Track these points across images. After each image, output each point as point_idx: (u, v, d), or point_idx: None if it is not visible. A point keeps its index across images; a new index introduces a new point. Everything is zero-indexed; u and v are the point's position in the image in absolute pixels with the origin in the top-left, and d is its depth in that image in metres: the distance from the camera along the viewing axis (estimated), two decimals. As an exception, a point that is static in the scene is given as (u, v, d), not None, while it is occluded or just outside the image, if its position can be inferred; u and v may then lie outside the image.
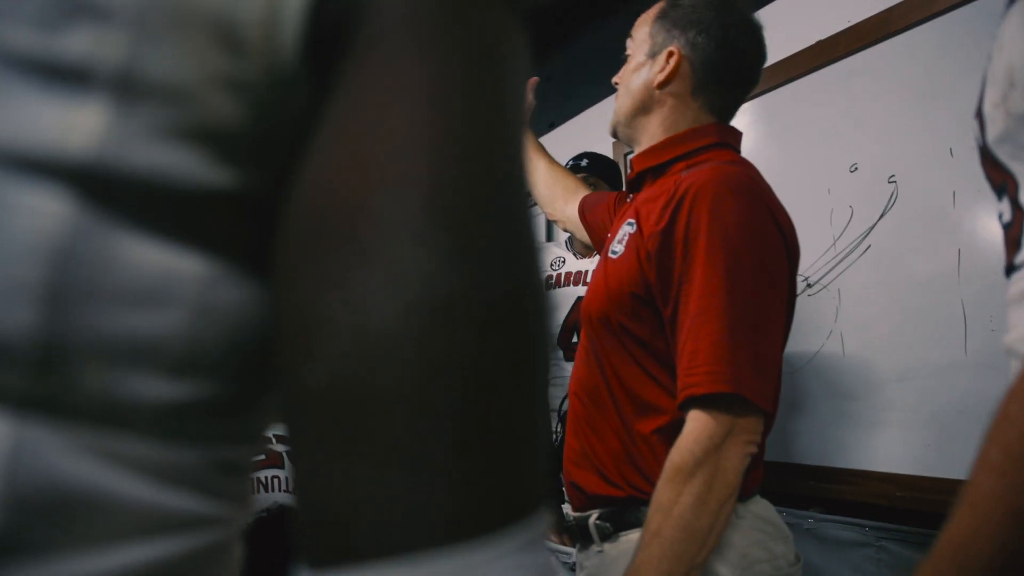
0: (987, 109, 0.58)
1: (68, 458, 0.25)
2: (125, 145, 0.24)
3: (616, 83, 1.26)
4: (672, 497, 0.93)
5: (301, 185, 0.27)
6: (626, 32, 1.26)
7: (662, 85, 1.15)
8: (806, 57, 1.86)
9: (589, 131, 2.89)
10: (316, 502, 0.25)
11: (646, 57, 1.17)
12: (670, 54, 1.13)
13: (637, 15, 1.24)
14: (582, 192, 1.60)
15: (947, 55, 1.54)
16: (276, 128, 0.27)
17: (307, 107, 0.27)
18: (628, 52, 1.23)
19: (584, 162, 2.22)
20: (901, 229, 1.61)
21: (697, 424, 0.95)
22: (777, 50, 1.93)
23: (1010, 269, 0.57)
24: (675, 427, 1.01)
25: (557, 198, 1.61)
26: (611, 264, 1.11)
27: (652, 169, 1.16)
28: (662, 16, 1.16)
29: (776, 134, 1.92)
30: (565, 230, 1.67)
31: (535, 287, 0.28)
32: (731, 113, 1.20)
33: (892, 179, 1.63)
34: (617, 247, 1.12)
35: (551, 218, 1.66)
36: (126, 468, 0.26)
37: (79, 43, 0.24)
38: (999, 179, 0.58)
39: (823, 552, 1.64)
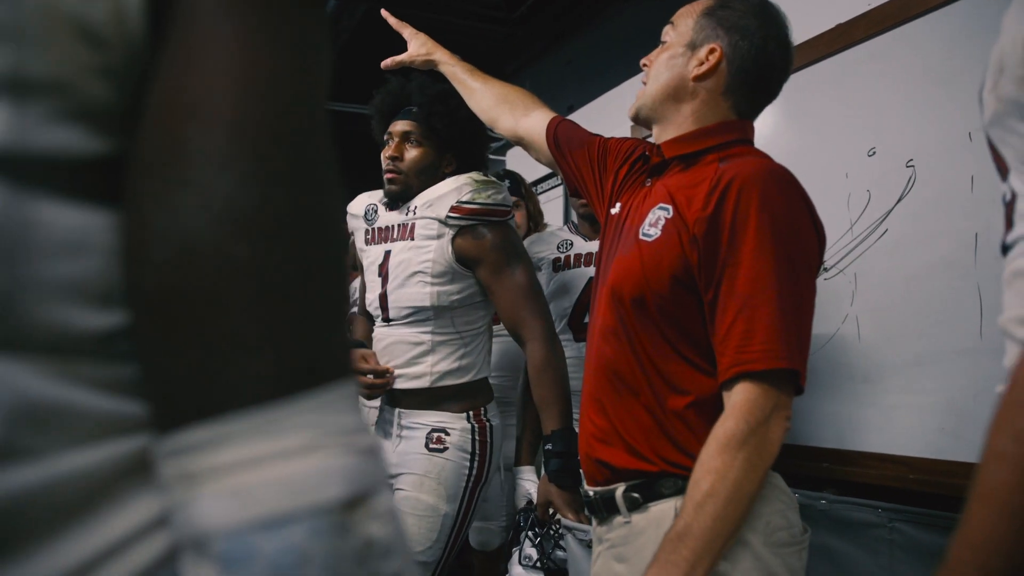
0: (984, 95, 0.59)
1: (36, 380, 0.31)
2: (26, 132, 0.30)
3: (645, 65, 1.27)
4: (727, 462, 1.00)
5: (140, 129, 0.34)
6: (645, 18, 1.28)
7: (699, 78, 1.19)
8: (825, 41, 1.86)
9: (607, 114, 2.89)
10: (153, 380, 0.33)
11: (685, 47, 1.21)
12: (712, 50, 1.18)
13: (656, 1, 1.26)
14: (535, 107, 1.56)
15: (966, 39, 1.54)
16: (134, 95, 0.34)
17: (148, 69, 0.34)
18: (665, 39, 1.26)
19: (506, 182, 2.40)
20: (918, 214, 1.61)
21: (748, 396, 1.02)
22: (796, 34, 1.92)
23: (1005, 248, 0.58)
24: (707, 402, 1.09)
25: (503, 115, 1.57)
26: (646, 247, 1.15)
27: (683, 157, 1.20)
28: (710, 13, 1.20)
29: (794, 118, 1.92)
30: (517, 143, 1.61)
31: (314, 203, 0.35)
32: (752, 118, 1.26)
33: (910, 163, 1.63)
34: (651, 230, 1.15)
35: (502, 134, 1.62)
36: (80, 384, 0.32)
37: None
38: (998, 161, 0.60)
39: (836, 533, 1.66)
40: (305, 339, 0.33)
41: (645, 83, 1.26)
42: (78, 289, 0.32)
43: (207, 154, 0.32)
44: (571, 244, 2.18)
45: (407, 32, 1.69)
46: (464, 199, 1.72)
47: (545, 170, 3.40)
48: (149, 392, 0.33)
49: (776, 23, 1.20)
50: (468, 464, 1.76)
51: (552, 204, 3.44)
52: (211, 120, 0.32)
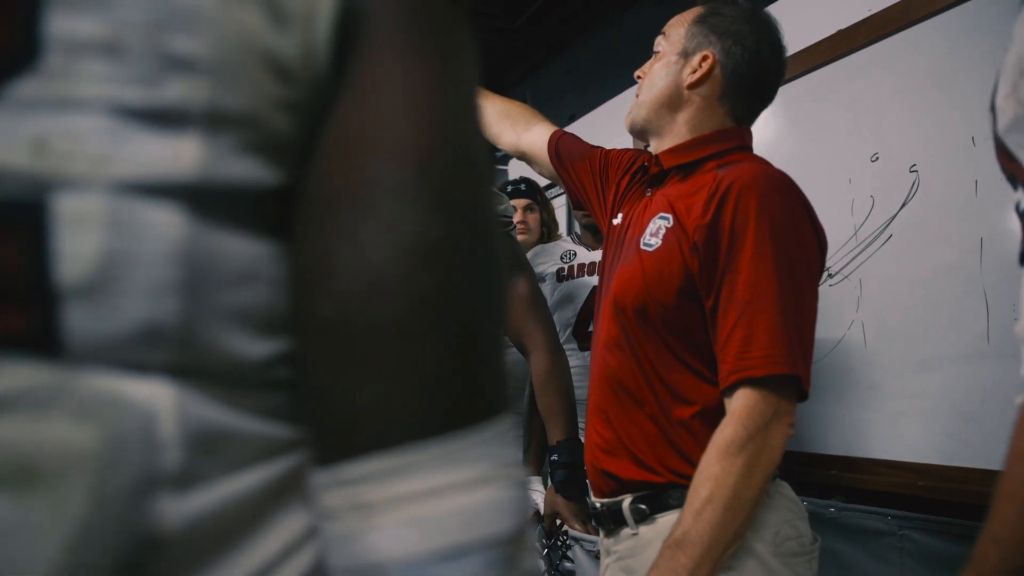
0: (999, 100, 0.59)
1: (208, 407, 0.31)
2: (215, 164, 0.31)
3: (639, 77, 1.27)
4: (726, 468, 0.99)
5: (318, 160, 0.34)
6: (646, 26, 1.28)
7: (693, 86, 1.19)
8: (826, 47, 1.86)
9: (609, 123, 2.90)
10: (325, 413, 0.33)
11: (678, 56, 1.21)
12: (704, 57, 1.18)
13: (656, 9, 1.27)
14: (536, 122, 1.56)
15: (968, 44, 1.53)
16: (313, 128, 0.34)
17: (329, 103, 0.35)
18: (657, 49, 1.27)
19: (523, 186, 2.41)
20: (923, 219, 1.61)
21: (747, 403, 1.02)
22: (797, 40, 1.93)
23: (1023, 257, 0.58)
24: (712, 412, 1.08)
25: (505, 131, 1.58)
26: (647, 256, 1.15)
27: (682, 166, 1.20)
28: (701, 20, 1.21)
29: (796, 124, 1.91)
30: (520, 158, 1.61)
31: (489, 232, 0.36)
32: (749, 123, 1.25)
33: (913, 168, 1.63)
34: (652, 240, 1.15)
35: (504, 149, 1.63)
36: (244, 410, 0.33)
37: (174, 92, 0.30)
38: (1012, 169, 0.59)
39: (845, 541, 1.65)
40: (481, 371, 0.34)
41: (639, 95, 1.26)
42: (247, 317, 0.33)
43: (394, 187, 0.33)
44: (574, 254, 2.19)
45: None
46: None
47: (547, 180, 3.40)
48: (318, 420, 0.34)
49: (767, 27, 1.21)
50: None
51: (555, 213, 3.44)
52: (398, 154, 0.33)
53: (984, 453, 1.45)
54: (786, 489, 1.11)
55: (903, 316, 1.63)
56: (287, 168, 0.34)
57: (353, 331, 0.32)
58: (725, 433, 1.01)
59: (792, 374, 1.02)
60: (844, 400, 1.74)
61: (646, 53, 1.31)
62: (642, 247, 1.16)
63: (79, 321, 0.29)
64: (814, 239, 1.11)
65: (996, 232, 1.47)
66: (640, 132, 1.27)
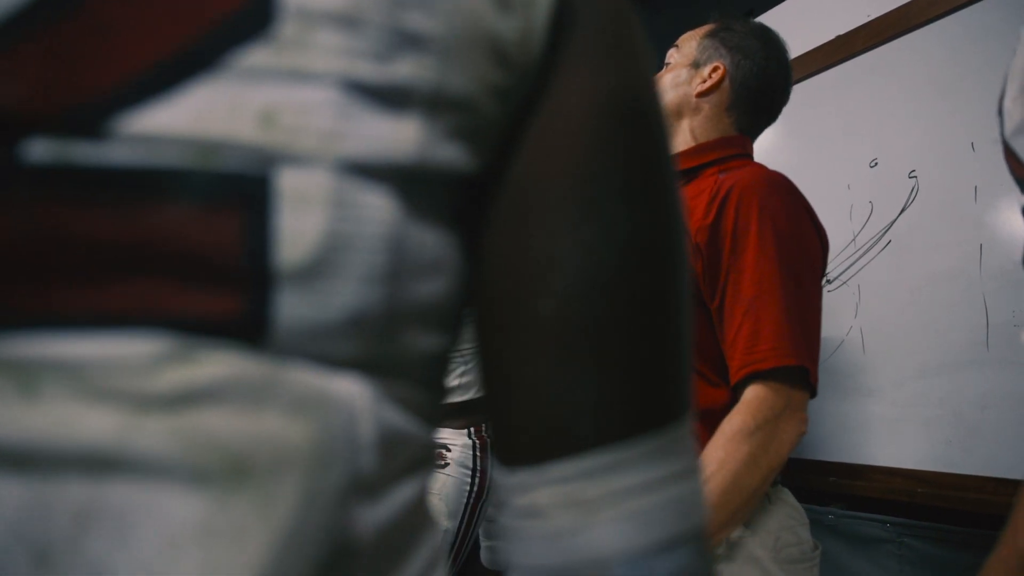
0: (1007, 104, 0.59)
1: (393, 406, 0.30)
2: (431, 147, 0.30)
3: None
4: (730, 452, 0.99)
5: (525, 151, 0.33)
6: (648, 33, 1.30)
7: (702, 94, 1.24)
8: (825, 52, 1.86)
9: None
10: (536, 411, 0.32)
11: (689, 67, 1.27)
12: (715, 68, 1.24)
13: (657, 17, 1.30)
14: None
15: (967, 50, 1.53)
16: (516, 116, 0.34)
17: (536, 90, 0.34)
18: (669, 60, 1.32)
19: None
20: (922, 224, 1.60)
21: (757, 395, 1.03)
22: (797, 45, 1.93)
23: None
24: (716, 415, 1.09)
25: None
26: None
27: (685, 171, 1.24)
28: (713, 35, 1.27)
29: (796, 129, 1.91)
30: None
31: (683, 229, 0.36)
32: (753, 137, 1.31)
33: (912, 174, 1.63)
34: None
35: None
36: (414, 409, 0.32)
37: (404, 70, 0.29)
38: (1020, 173, 0.59)
39: (845, 548, 1.64)
40: (683, 367, 0.34)
41: None
42: (430, 311, 0.32)
43: (613, 186, 0.32)
44: None
45: None
46: None
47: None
48: (527, 419, 0.33)
49: (776, 45, 1.26)
50: (469, 480, 1.77)
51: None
52: (617, 152, 0.33)
53: (984, 460, 1.44)
54: (787, 495, 1.12)
55: (902, 322, 1.62)
56: (488, 156, 0.33)
57: (574, 328, 0.32)
58: (733, 421, 1.02)
59: (800, 365, 1.02)
60: (843, 406, 1.73)
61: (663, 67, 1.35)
62: None
63: (292, 307, 0.27)
64: (815, 238, 1.13)
65: (995, 238, 1.46)
66: None
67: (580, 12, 0.34)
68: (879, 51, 1.73)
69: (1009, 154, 0.60)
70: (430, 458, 0.34)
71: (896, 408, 1.62)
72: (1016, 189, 0.60)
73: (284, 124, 0.27)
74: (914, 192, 1.62)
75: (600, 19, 0.35)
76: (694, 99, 1.25)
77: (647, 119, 0.34)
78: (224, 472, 0.25)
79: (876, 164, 1.71)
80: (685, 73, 1.26)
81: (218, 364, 0.26)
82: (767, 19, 2.13)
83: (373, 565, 0.29)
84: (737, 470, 0.98)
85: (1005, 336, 1.43)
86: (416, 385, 0.32)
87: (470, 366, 1.83)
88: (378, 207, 0.29)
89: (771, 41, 1.26)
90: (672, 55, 1.32)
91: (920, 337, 1.58)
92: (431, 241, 0.31)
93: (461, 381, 1.80)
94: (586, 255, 0.32)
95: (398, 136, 0.29)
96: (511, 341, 0.33)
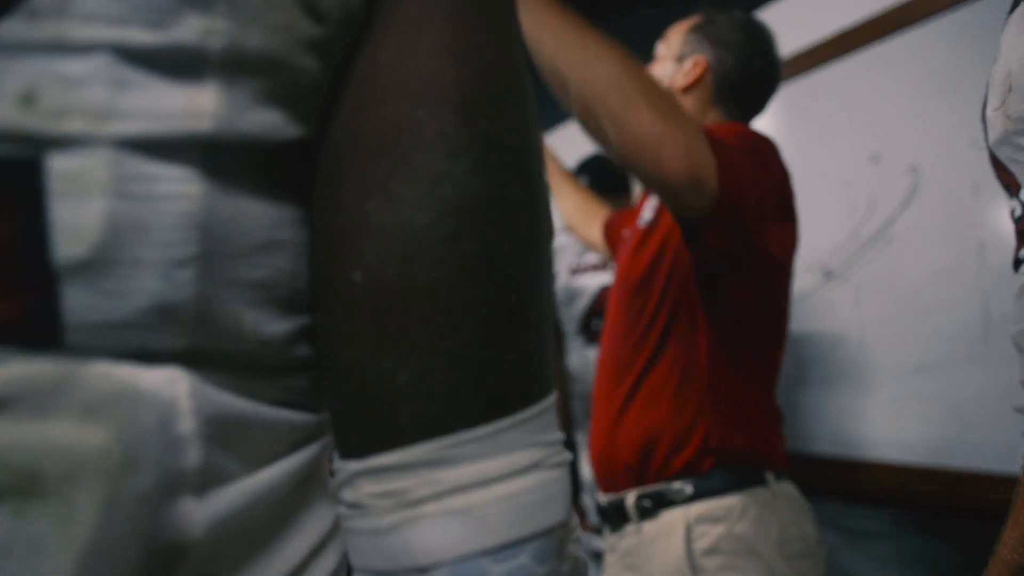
0: (989, 113, 0.59)
1: (228, 395, 0.28)
2: (236, 114, 0.27)
3: None
4: (602, 49, 0.90)
5: (345, 108, 0.30)
6: (634, 32, 1.31)
7: (684, 89, 1.23)
8: (828, 47, 1.85)
9: (575, 140, 2.88)
10: (357, 395, 0.29)
11: (673, 60, 1.26)
12: (696, 62, 1.22)
13: (645, 15, 1.29)
14: (604, 213, 1.70)
15: (969, 46, 1.53)
16: (338, 71, 0.30)
17: (357, 44, 0.30)
18: (659, 53, 1.31)
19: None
20: (922, 221, 1.60)
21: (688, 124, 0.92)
22: (799, 40, 1.93)
23: (1018, 263, 0.58)
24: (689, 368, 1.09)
25: (581, 224, 1.72)
26: (643, 230, 1.22)
27: None
28: (697, 28, 1.25)
29: (797, 124, 1.91)
30: (593, 250, 1.77)
31: (543, 189, 0.32)
32: None
33: (913, 170, 1.63)
34: (647, 215, 1.22)
35: (582, 242, 1.77)
36: (265, 395, 0.29)
37: (189, 32, 0.26)
38: (1005, 178, 0.60)
39: (843, 543, 1.65)
40: (530, 347, 0.30)
41: None
42: (268, 291, 0.29)
43: (435, 140, 0.28)
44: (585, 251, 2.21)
45: None
46: None
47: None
48: (346, 404, 0.30)
49: (761, 38, 1.24)
50: None
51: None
52: (438, 100, 0.29)
53: (982, 456, 1.45)
54: (791, 489, 1.11)
55: (901, 318, 1.62)
56: (311, 118, 0.30)
57: (390, 302, 0.28)
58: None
59: (723, 166, 0.92)
60: (842, 402, 1.74)
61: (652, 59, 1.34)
62: (639, 226, 1.22)
63: (82, 303, 0.25)
64: (781, 167, 1.13)
65: (995, 235, 1.47)
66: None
67: None
68: (880, 47, 1.73)
69: (994, 160, 0.60)
70: (310, 440, 0.32)
71: (894, 404, 1.62)
72: (1005, 192, 0.61)
73: (48, 103, 0.24)
74: (914, 188, 1.62)
75: None
76: (678, 93, 1.23)
77: (485, 62, 0.30)
78: (16, 486, 0.24)
79: (877, 160, 1.71)
80: (670, 66, 1.25)
81: (6, 372, 0.24)
82: (770, 13, 2.13)
83: (215, 559, 0.27)
84: (587, 56, 0.89)
85: (1004, 333, 1.43)
86: (267, 369, 0.30)
87: None
88: (175, 186, 0.26)
89: (756, 34, 1.24)
90: (660, 48, 1.32)
91: (919, 333, 1.58)
92: (258, 216, 0.29)
93: None
94: (399, 217, 0.28)
95: (192, 106, 0.26)
96: (330, 319, 0.30)
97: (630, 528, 1.12)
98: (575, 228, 1.74)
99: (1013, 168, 0.58)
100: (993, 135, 0.59)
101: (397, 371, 0.28)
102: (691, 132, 0.89)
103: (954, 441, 1.50)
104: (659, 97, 0.88)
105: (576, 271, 2.19)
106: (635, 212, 1.47)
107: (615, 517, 1.15)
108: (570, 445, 1.61)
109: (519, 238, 0.30)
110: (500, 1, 0.32)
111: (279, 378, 0.30)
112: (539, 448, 0.30)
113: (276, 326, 0.30)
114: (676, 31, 1.29)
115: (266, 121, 0.28)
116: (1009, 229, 1.42)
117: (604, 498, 1.18)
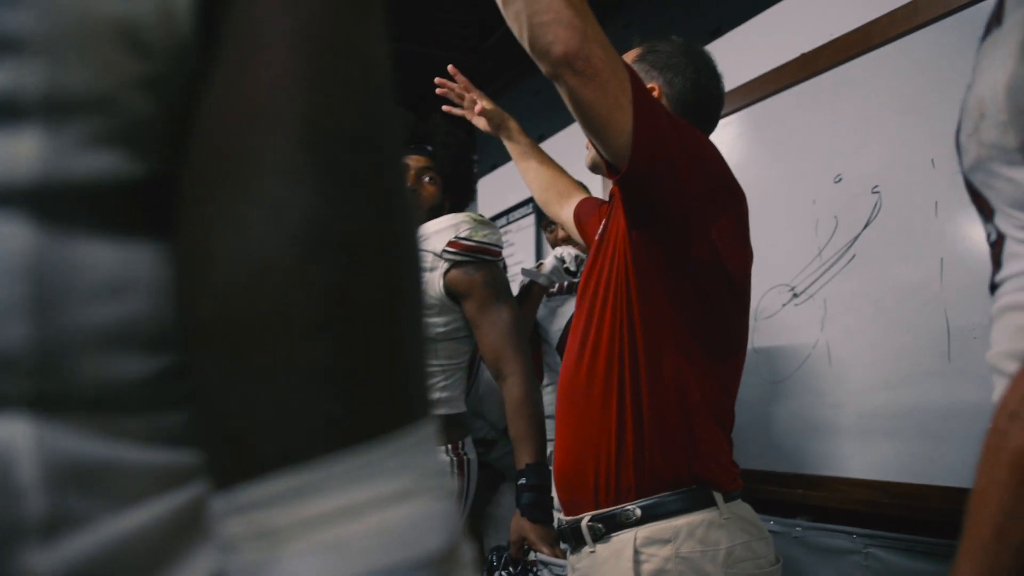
0: (962, 139, 0.60)
1: (82, 440, 0.27)
2: (63, 160, 0.27)
3: None
4: None
5: (191, 141, 0.29)
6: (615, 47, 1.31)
7: None
8: (791, 69, 1.89)
9: (578, 144, 2.91)
10: (216, 429, 0.28)
11: None
12: (651, 89, 1.24)
13: (624, 31, 1.29)
14: (576, 193, 1.68)
15: (928, 68, 1.57)
16: (179, 106, 0.30)
17: (196, 74, 0.30)
18: None
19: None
20: (885, 239, 1.63)
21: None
22: (762, 63, 1.96)
23: (994, 287, 0.59)
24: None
25: (552, 202, 1.70)
26: (599, 241, 1.22)
27: None
28: (641, 58, 1.28)
29: (762, 145, 1.94)
30: (563, 229, 1.74)
31: (399, 214, 0.31)
32: None
33: (876, 189, 1.66)
34: (600, 225, 1.23)
35: (551, 217, 1.76)
36: (128, 437, 0.29)
37: (1, 80, 0.25)
38: (979, 204, 0.61)
39: (811, 560, 1.65)
40: (395, 370, 0.29)
41: None
42: (124, 334, 0.28)
43: (276, 164, 0.28)
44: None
45: (476, 93, 1.75)
46: (462, 235, 1.75)
47: (517, 197, 3.41)
48: (209, 438, 0.29)
49: (703, 58, 1.28)
50: None
51: (523, 232, 3.44)
52: (280, 126, 0.28)
53: (947, 471, 1.47)
54: (744, 510, 1.11)
55: (867, 335, 1.64)
56: (154, 155, 0.29)
57: (240, 331, 0.27)
58: None
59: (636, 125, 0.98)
60: (809, 419, 1.75)
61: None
62: (595, 238, 1.24)
63: None
64: (723, 165, 1.16)
65: (956, 252, 1.49)
66: (599, 169, 1.34)
67: None
68: (842, 69, 1.76)
69: (969, 186, 0.61)
70: (188, 480, 0.31)
71: (862, 420, 1.64)
72: (980, 217, 0.62)
73: None
74: (877, 207, 1.65)
75: None
76: None
77: (332, 84, 0.29)
78: None
79: (840, 179, 1.74)
80: None
81: None
82: (733, 37, 2.17)
83: None
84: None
85: (966, 348, 1.46)
86: (130, 409, 0.29)
87: (450, 382, 1.81)
88: (4, 236, 0.26)
89: (697, 55, 1.28)
90: None
91: (885, 350, 1.61)
92: (103, 260, 0.28)
93: (440, 396, 1.78)
94: (244, 245, 0.27)
95: (11, 154, 0.26)
96: (191, 353, 0.29)
97: (586, 550, 1.14)
98: (545, 206, 1.74)
99: (987, 193, 0.59)
100: (967, 161, 0.60)
101: (253, 400, 0.27)
102: (593, 26, 0.95)
103: (921, 456, 1.52)
104: None
105: (554, 293, 2.20)
106: (602, 212, 1.47)
107: (573, 539, 1.17)
108: (547, 471, 1.60)
109: (373, 263, 0.29)
110: (356, 23, 0.31)
111: (149, 417, 0.30)
112: (412, 475, 0.29)
113: (139, 365, 0.29)
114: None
115: (100, 163, 0.27)
116: (970, 246, 1.46)
117: (565, 520, 1.20)
